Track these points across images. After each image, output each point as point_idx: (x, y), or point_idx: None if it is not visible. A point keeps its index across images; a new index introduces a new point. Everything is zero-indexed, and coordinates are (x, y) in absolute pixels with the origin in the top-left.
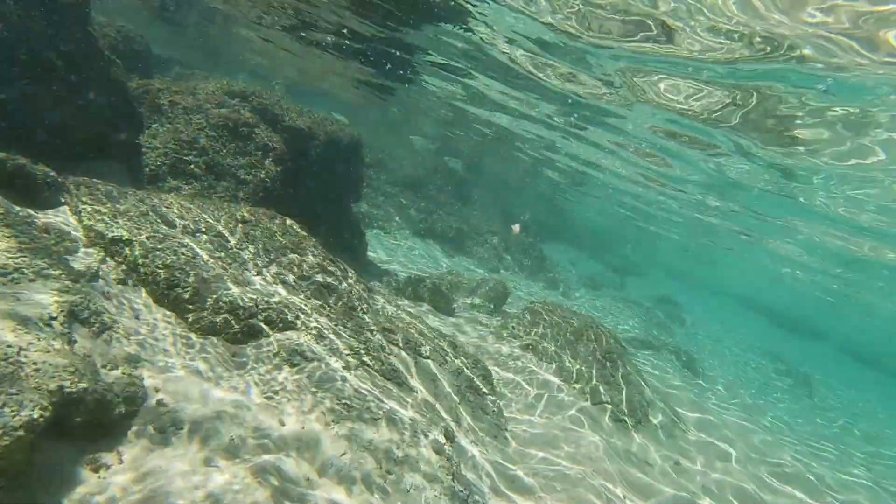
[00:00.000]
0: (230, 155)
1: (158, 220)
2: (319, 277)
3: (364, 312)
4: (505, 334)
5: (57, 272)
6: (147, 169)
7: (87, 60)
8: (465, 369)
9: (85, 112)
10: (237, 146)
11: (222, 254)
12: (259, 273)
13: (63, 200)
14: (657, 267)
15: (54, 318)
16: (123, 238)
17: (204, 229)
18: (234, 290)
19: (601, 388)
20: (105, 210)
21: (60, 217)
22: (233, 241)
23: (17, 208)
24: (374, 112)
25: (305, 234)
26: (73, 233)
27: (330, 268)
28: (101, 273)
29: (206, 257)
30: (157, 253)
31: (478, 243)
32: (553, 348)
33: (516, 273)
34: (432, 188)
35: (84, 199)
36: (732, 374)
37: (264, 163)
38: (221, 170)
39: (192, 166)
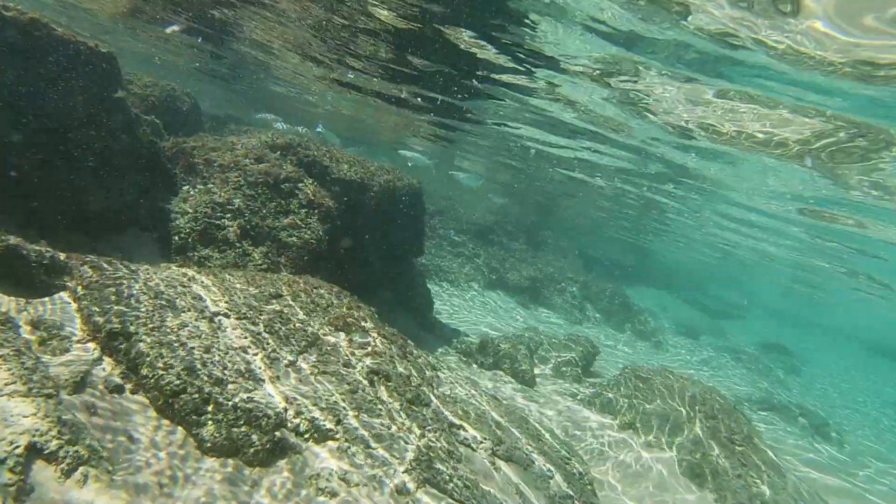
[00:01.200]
0: (270, 215)
1: (170, 305)
2: (370, 362)
3: (425, 405)
4: (599, 407)
5: (24, 387)
6: (176, 238)
7: (110, 122)
8: (555, 473)
9: (107, 179)
10: (278, 205)
11: (247, 340)
12: (292, 364)
13: (66, 284)
14: (759, 308)
15: (2, 462)
16: (123, 331)
17: (227, 310)
18: (257, 392)
19: (735, 486)
20: (107, 294)
21: (58, 305)
22: (262, 324)
23: (7, 299)
24: (435, 156)
25: (356, 304)
26: (67, 326)
27: (384, 346)
28: (90, 380)
29: (223, 350)
30: (163, 350)
31: (555, 292)
32: (660, 427)
33: (600, 324)
34: (502, 235)
35: (87, 281)
36: (876, 439)
37: (309, 221)
38: (259, 233)
39: (225, 231)
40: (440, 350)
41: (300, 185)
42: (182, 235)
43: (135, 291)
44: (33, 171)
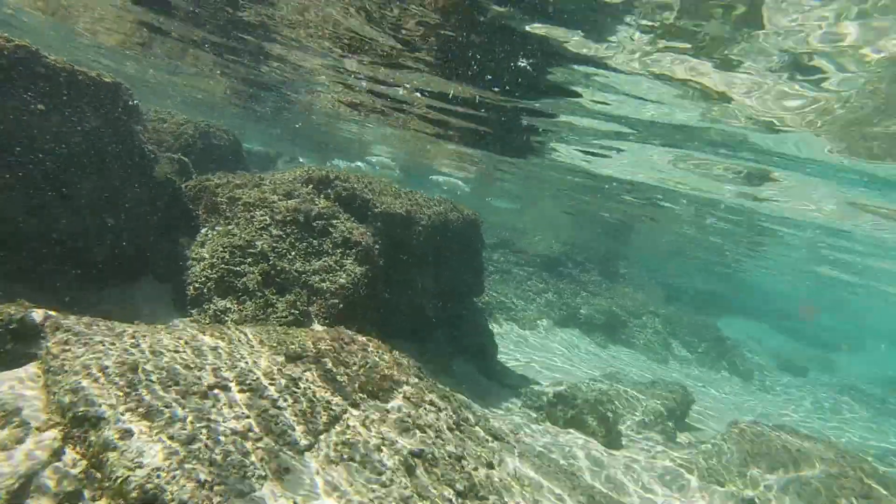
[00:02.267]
0: (300, 258)
1: (154, 378)
2: (409, 441)
3: (482, 499)
4: (702, 475)
5: None
6: (191, 288)
7: (117, 159)
8: None
9: (115, 223)
10: (309, 245)
11: (250, 421)
12: (310, 448)
13: (38, 352)
14: (876, 336)
15: None
16: (90, 415)
17: (229, 381)
18: (254, 498)
19: None
20: (78, 367)
21: (23, 380)
22: (272, 397)
23: None
24: (492, 187)
25: (397, 361)
26: (27, 408)
27: (432, 416)
28: (41, 482)
29: (215, 438)
30: (134, 441)
31: (635, 328)
32: None
33: (690, 362)
34: (572, 266)
35: (59, 350)
36: None
37: (345, 263)
38: (287, 279)
39: (245, 279)
40: (506, 403)
41: (334, 221)
42: (197, 285)
43: (111, 363)
44: (25, 215)
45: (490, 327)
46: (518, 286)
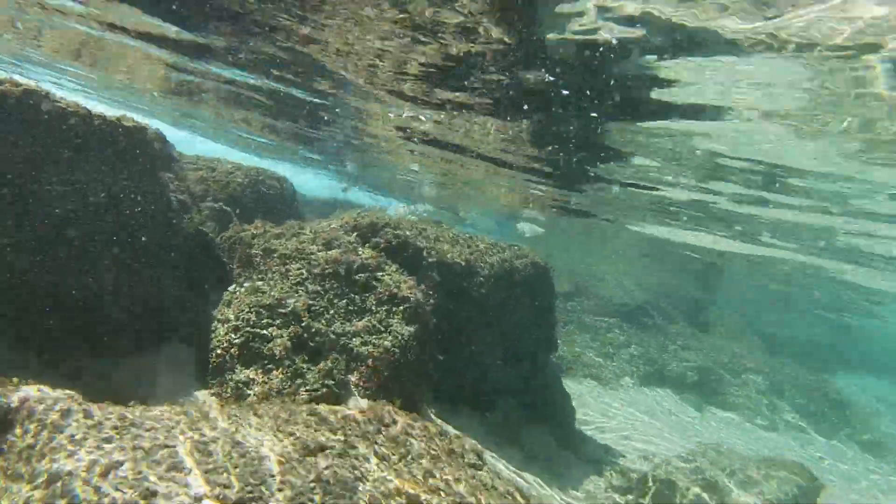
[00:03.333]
0: (339, 317)
1: (139, 485)
2: None
3: None
4: None
5: None
6: (213, 354)
7: (138, 209)
8: None
9: (133, 281)
10: (350, 302)
11: None
12: None
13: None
14: None
15: None
16: None
17: (224, 488)
18: None
19: None
20: (37, 470)
21: None
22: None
23: None
24: (560, 226)
25: (447, 447)
26: None
27: None
28: None
29: None
30: None
31: (733, 386)
32: None
33: (802, 429)
34: (657, 315)
35: (15, 447)
36: None
37: (390, 322)
38: (321, 343)
39: (272, 344)
40: (587, 485)
41: (380, 274)
42: (219, 352)
43: (73, 467)
44: (33, 273)
45: (566, 388)
46: (596, 338)
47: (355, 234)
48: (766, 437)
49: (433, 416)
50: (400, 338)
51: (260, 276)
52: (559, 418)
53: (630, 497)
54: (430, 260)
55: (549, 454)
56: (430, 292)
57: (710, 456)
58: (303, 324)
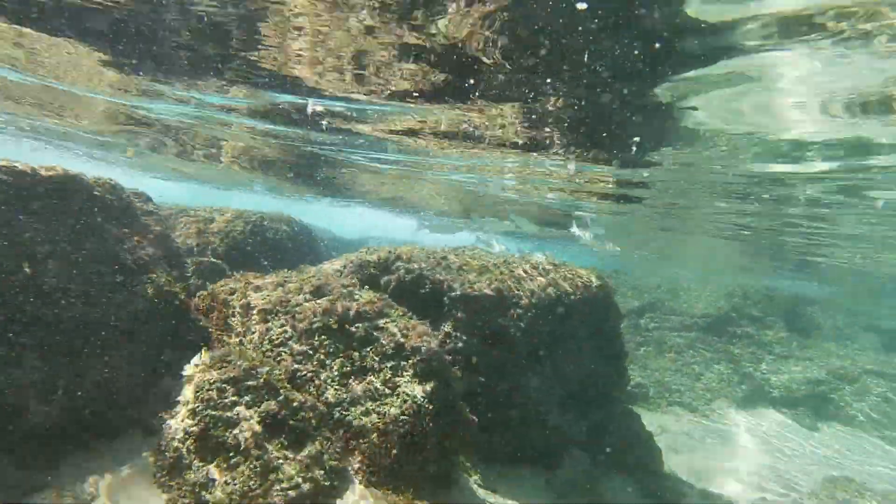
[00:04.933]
0: (332, 382)
1: None
2: None
3: None
4: None
5: None
6: (169, 447)
7: (80, 276)
8: None
9: (75, 364)
10: (347, 361)
11: None
12: None
13: None
14: None
15: None
16: None
17: None
18: None
19: None
20: None
21: None
22: None
23: None
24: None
25: None
26: None
27: None
28: None
29: None
30: None
31: (852, 396)
32: None
33: None
34: (746, 323)
35: None
36: None
37: (398, 382)
38: (305, 420)
39: (238, 430)
40: None
41: (381, 322)
42: (175, 444)
43: None
44: None
45: (646, 424)
46: (678, 358)
47: (360, 274)
48: None
49: (476, 489)
50: (412, 401)
51: (238, 340)
52: (642, 464)
53: None
54: (453, 294)
55: None
56: (457, 334)
57: (840, 488)
58: (280, 398)
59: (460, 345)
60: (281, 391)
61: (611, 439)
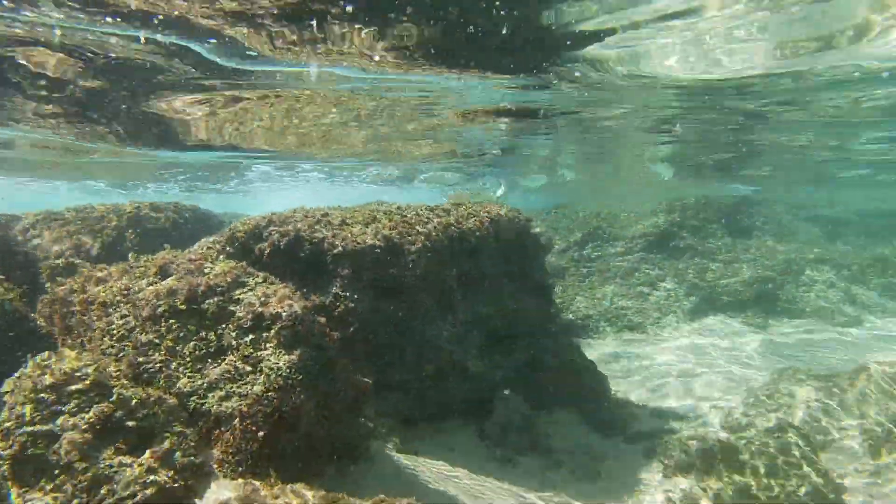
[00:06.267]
0: (185, 370)
1: None
2: None
3: None
4: None
5: None
6: None
7: None
8: None
9: None
10: (199, 344)
11: None
12: None
13: None
14: None
15: None
16: None
17: None
18: None
19: None
20: None
21: None
22: None
23: None
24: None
25: None
26: None
27: None
28: None
29: None
30: None
31: (799, 287)
32: None
33: (891, 312)
34: (688, 234)
35: None
36: None
37: (261, 356)
38: (149, 417)
39: (59, 444)
40: (641, 472)
41: (237, 292)
42: None
43: None
44: None
45: (598, 353)
46: (624, 282)
47: (231, 246)
48: (854, 336)
49: (393, 456)
50: (276, 374)
51: (78, 342)
52: (588, 393)
53: (694, 479)
54: (335, 252)
55: (584, 448)
56: (346, 294)
57: (784, 389)
58: (113, 398)
59: (351, 304)
60: (114, 390)
61: (547, 375)
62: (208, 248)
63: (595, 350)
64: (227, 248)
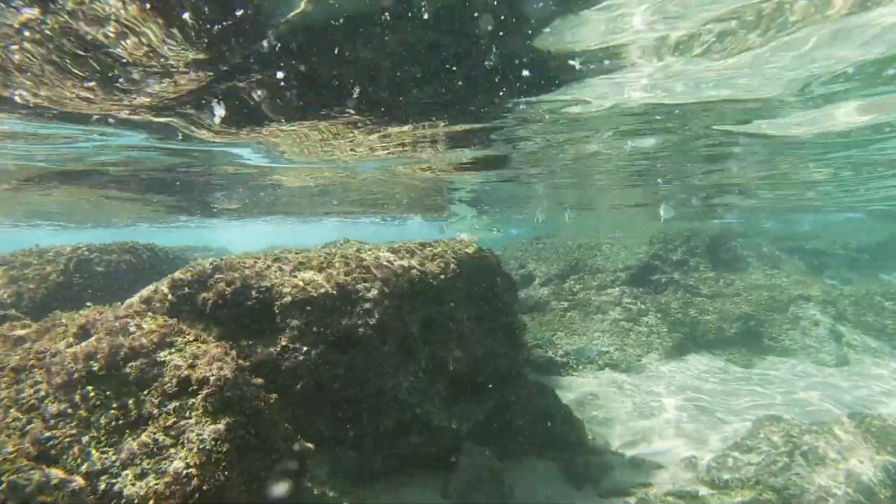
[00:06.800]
0: (98, 445)
1: None
2: None
3: None
4: None
5: None
6: None
7: None
8: None
9: None
10: (119, 413)
11: None
12: None
13: None
14: None
15: None
16: None
17: None
18: None
19: None
20: None
21: None
22: None
23: None
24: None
25: None
26: None
27: None
28: None
29: None
30: None
31: (784, 326)
32: None
33: (881, 353)
34: (669, 268)
35: None
36: None
37: (184, 426)
38: None
39: None
40: None
41: (161, 354)
42: None
43: None
44: None
45: (576, 393)
46: (606, 317)
47: (174, 296)
48: (841, 378)
49: None
50: (199, 447)
51: None
52: (562, 440)
53: None
54: (284, 301)
55: (557, 495)
56: (295, 346)
57: (765, 439)
58: (2, 485)
59: (300, 357)
60: (3, 477)
61: (518, 423)
62: (148, 297)
63: (573, 391)
64: (170, 298)
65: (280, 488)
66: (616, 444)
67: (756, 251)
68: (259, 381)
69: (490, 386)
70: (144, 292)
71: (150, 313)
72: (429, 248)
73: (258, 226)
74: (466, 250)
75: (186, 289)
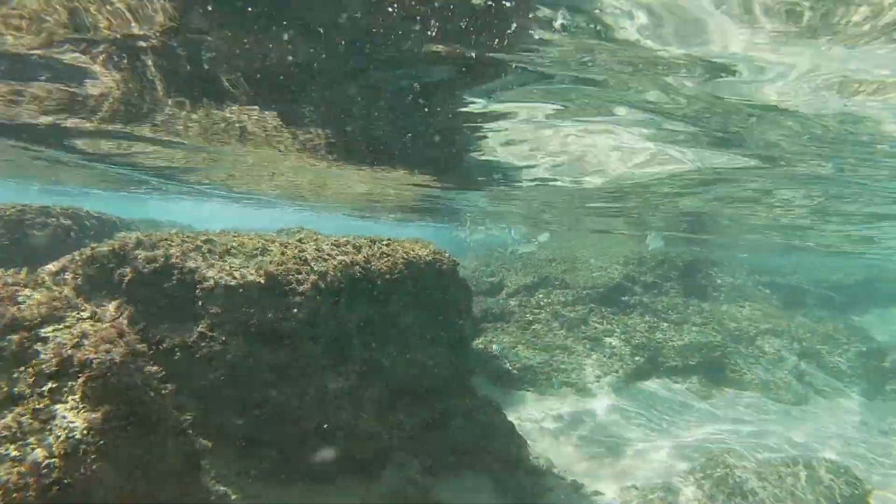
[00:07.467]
0: None
1: None
2: None
3: None
4: None
5: None
6: None
7: None
8: None
9: None
10: None
11: None
12: None
13: None
14: None
15: None
16: None
17: None
18: None
19: None
20: None
21: None
22: None
23: None
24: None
25: None
26: None
27: None
28: None
29: None
30: None
31: (747, 358)
32: None
33: (840, 394)
34: (640, 291)
35: None
36: None
37: (55, 411)
38: None
39: None
40: None
41: (45, 330)
42: None
43: None
44: None
45: (533, 409)
46: (570, 334)
47: (89, 269)
48: (797, 417)
49: None
50: (66, 436)
51: None
52: (503, 458)
53: None
54: (205, 285)
55: None
56: (213, 334)
57: (714, 477)
58: None
59: (216, 347)
60: None
61: (457, 434)
62: (62, 266)
63: (525, 407)
64: (85, 270)
65: (167, 487)
66: (561, 466)
67: (730, 281)
68: (155, 368)
69: (432, 395)
70: (61, 261)
71: (48, 284)
72: (377, 246)
73: (239, 206)
74: (419, 252)
75: (105, 262)
